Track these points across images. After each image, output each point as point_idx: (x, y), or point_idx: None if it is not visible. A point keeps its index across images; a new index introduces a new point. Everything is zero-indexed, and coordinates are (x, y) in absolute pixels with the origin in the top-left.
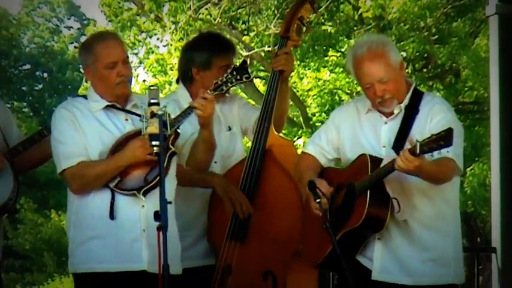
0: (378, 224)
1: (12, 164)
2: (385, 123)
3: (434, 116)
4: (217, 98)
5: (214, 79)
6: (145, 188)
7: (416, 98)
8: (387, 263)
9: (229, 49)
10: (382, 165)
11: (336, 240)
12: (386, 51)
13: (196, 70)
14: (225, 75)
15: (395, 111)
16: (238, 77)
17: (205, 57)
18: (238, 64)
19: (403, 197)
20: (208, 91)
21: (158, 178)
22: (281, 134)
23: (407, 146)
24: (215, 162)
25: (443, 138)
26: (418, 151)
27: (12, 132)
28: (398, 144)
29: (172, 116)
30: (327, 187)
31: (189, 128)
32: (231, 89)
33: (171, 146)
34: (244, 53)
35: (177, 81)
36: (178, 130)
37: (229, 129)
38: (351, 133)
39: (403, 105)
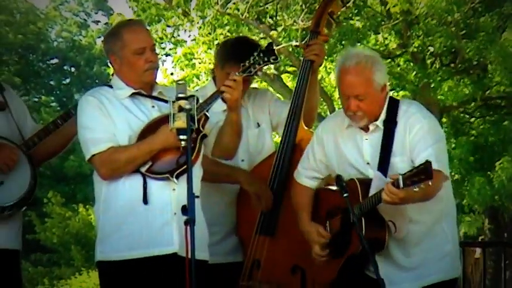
0: (379, 246)
1: (30, 156)
2: (366, 139)
3: (412, 127)
4: (246, 87)
5: (220, 82)
6: (178, 171)
7: (393, 109)
8: (392, 275)
9: (241, 61)
10: (371, 188)
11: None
12: (373, 71)
13: (215, 65)
14: (252, 57)
15: (371, 128)
16: (266, 59)
17: (221, 58)
18: (264, 47)
19: (397, 215)
20: (237, 73)
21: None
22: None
23: (394, 161)
24: (242, 160)
25: (424, 172)
26: (402, 185)
27: (27, 124)
28: (383, 162)
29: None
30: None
31: (214, 118)
32: (262, 85)
33: (201, 129)
34: None
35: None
36: (207, 113)
37: (258, 126)
38: (335, 148)
39: (380, 122)
